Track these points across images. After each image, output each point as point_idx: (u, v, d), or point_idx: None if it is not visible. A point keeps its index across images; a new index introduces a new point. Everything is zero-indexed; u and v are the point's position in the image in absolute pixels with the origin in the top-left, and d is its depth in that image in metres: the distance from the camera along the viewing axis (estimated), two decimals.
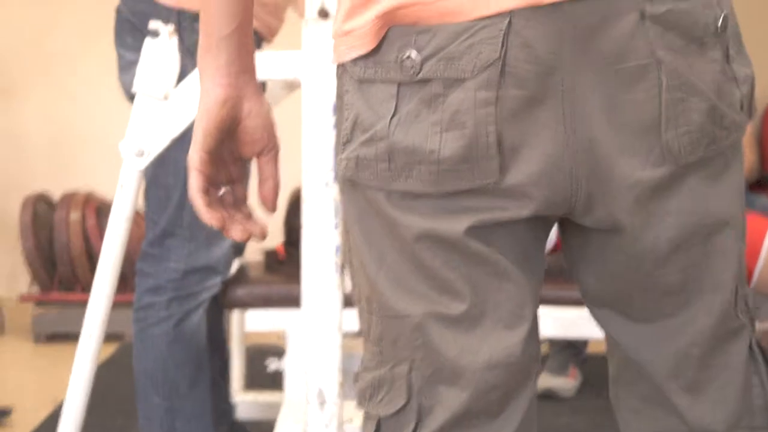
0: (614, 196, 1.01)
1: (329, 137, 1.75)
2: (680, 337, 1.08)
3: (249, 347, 3.00)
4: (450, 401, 1.04)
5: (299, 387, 2.27)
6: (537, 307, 1.08)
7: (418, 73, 0.99)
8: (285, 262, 2.61)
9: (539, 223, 1.05)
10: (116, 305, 4.03)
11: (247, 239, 1.11)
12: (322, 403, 1.80)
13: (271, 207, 1.11)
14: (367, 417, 1.10)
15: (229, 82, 1.07)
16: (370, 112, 1.02)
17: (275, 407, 2.53)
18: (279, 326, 2.34)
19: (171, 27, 1.81)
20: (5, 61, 4.83)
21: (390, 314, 1.06)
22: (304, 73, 1.76)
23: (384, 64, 1.01)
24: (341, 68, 1.06)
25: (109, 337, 3.95)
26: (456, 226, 1.01)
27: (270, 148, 1.12)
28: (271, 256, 2.62)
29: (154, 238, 2.23)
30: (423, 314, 1.04)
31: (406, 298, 1.04)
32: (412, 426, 1.05)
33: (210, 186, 1.09)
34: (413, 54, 0.98)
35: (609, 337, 1.15)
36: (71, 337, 4.22)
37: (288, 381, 2.32)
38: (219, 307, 2.37)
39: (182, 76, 1.86)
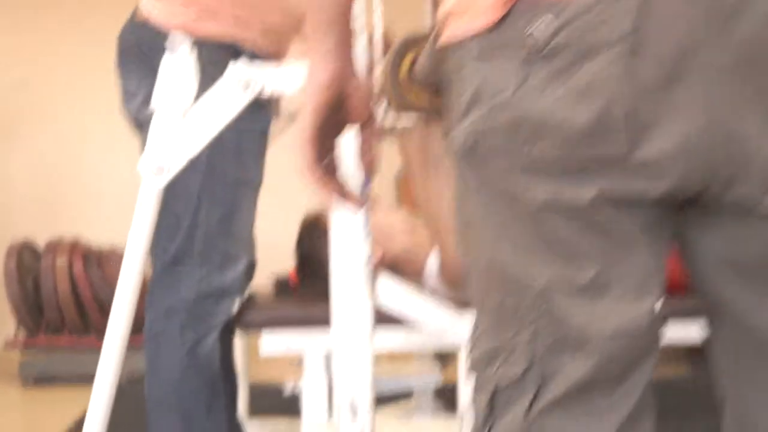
0: (753, 178, 0.99)
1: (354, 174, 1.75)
2: None
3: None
4: (572, 370, 1.03)
5: (318, 408, 2.25)
6: (663, 282, 1.07)
7: (548, 44, 0.99)
8: (296, 288, 2.58)
9: (669, 202, 1.04)
10: (101, 349, 4.02)
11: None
12: (354, 414, 1.78)
13: (371, 170, 1.26)
14: (481, 384, 1.09)
15: (336, 64, 1.16)
16: (494, 84, 1.02)
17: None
18: (296, 347, 2.31)
19: (189, 43, 1.80)
20: None
21: (512, 282, 1.05)
22: None
23: (511, 37, 1.01)
24: (455, 46, 1.07)
25: (92, 378, 3.93)
26: (583, 194, 1.00)
27: (371, 118, 1.24)
28: (281, 282, 2.60)
29: (163, 265, 2.20)
30: (548, 281, 1.03)
31: (530, 266, 1.04)
32: (531, 394, 1.04)
33: (317, 161, 1.18)
34: (543, 26, 0.99)
35: (719, 327, 1.12)
36: (59, 380, 4.18)
37: (306, 403, 2.29)
38: (231, 331, 2.34)
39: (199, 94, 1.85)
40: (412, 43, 1.92)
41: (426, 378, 2.71)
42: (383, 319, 1.86)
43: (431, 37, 1.73)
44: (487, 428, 1.08)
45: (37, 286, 4.23)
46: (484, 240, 1.07)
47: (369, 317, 1.78)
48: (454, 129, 1.08)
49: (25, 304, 4.13)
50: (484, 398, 1.08)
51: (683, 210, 1.08)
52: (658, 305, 1.06)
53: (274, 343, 2.31)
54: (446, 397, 2.84)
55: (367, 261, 1.79)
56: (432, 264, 2.21)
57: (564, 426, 1.04)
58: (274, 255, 2.82)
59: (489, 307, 1.09)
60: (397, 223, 2.36)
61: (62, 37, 4.90)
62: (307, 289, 2.51)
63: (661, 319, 1.07)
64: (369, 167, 1.27)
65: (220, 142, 1.86)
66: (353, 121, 1.23)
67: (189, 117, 1.80)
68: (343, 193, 1.22)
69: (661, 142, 0.98)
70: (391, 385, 2.81)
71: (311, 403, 2.29)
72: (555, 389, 1.04)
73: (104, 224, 4.72)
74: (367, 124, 1.25)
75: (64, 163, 4.89)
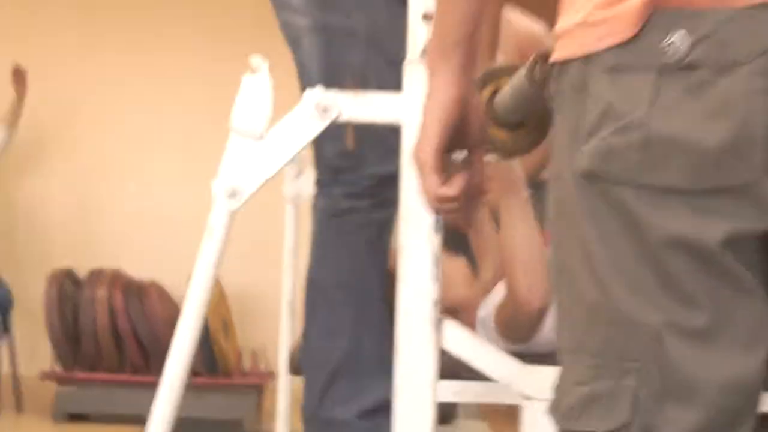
0: None
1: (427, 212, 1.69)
2: None
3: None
4: (679, 422, 0.97)
5: None
6: None
7: (685, 58, 0.94)
8: None
9: None
10: (138, 386, 3.96)
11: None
12: None
13: (480, 193, 1.21)
14: None
15: (461, 82, 1.15)
16: (625, 101, 0.97)
17: None
18: None
19: (267, 64, 1.77)
20: (34, 128, 4.79)
21: (623, 321, 0.99)
22: (406, 115, 1.71)
23: (645, 50, 0.97)
24: (585, 60, 1.02)
25: (127, 418, 3.87)
26: (712, 232, 0.95)
27: (483, 140, 1.21)
28: None
29: (342, 148, 2.10)
30: (662, 323, 0.97)
31: (645, 305, 0.98)
32: None
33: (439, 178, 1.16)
34: (681, 38, 0.94)
35: None
36: (93, 418, 4.11)
37: None
38: None
39: None
40: (491, 76, 1.86)
41: None
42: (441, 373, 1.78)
43: (522, 70, 1.67)
44: None
45: (75, 318, 4.19)
46: (598, 272, 1.00)
47: (434, 363, 1.71)
48: (573, 152, 1.02)
49: (64, 335, 4.10)
50: None
51: None
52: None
53: None
54: None
55: (434, 305, 1.72)
56: (489, 306, 2.14)
57: None
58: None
59: (593, 348, 1.01)
60: (456, 270, 2.29)
61: (103, 66, 4.91)
62: None
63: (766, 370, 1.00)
64: (477, 190, 1.22)
65: None
66: (469, 143, 1.20)
67: (266, 140, 1.76)
68: (463, 212, 1.21)
69: None
70: None
71: None
72: None
73: (144, 258, 4.70)
74: (479, 146, 1.22)
75: (103, 193, 4.88)
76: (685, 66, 0.94)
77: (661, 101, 0.95)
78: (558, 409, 1.04)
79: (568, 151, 1.04)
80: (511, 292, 2.09)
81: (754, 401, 1.00)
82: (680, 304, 0.97)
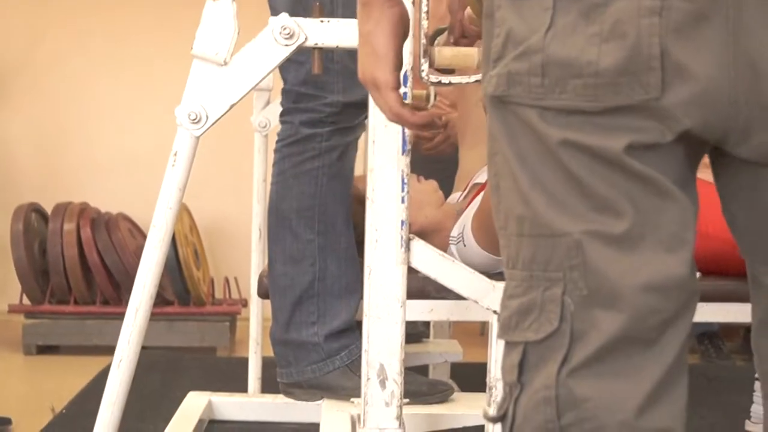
0: None
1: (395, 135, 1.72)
2: None
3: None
4: (606, 325, 0.99)
5: None
6: (695, 232, 1.03)
7: None
8: None
9: (695, 147, 1.01)
10: (108, 317, 3.97)
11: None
12: (383, 380, 1.74)
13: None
14: (510, 347, 1.05)
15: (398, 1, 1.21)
16: (524, 26, 1.00)
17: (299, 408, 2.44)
18: None
19: None
20: None
21: (545, 233, 1.02)
22: None
23: None
24: None
25: (100, 349, 3.88)
26: (614, 143, 0.98)
27: None
28: None
29: (305, 76, 2.14)
30: (582, 231, 0.99)
31: (564, 216, 1.00)
32: (563, 351, 1.00)
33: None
34: None
35: (754, 279, 1.10)
36: (63, 350, 4.12)
37: None
38: None
39: None
40: None
41: (446, 355, 2.67)
42: (412, 293, 1.81)
43: None
44: (516, 392, 1.04)
45: (43, 251, 4.17)
46: (520, 189, 1.04)
47: (402, 282, 1.74)
48: (485, 74, 1.06)
49: (31, 269, 4.08)
50: (514, 360, 1.04)
51: (716, 163, 1.06)
52: (690, 259, 1.02)
53: None
54: (463, 375, 2.80)
55: (401, 224, 1.74)
56: (464, 222, 2.16)
57: (597, 385, 1.00)
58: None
59: (522, 261, 1.05)
60: (426, 194, 2.31)
61: (63, 1, 4.82)
62: None
63: (695, 270, 1.03)
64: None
65: None
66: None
67: (230, 66, 1.75)
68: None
69: (690, 84, 0.95)
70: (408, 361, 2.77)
71: None
72: (588, 346, 1.00)
73: (112, 192, 4.67)
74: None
75: (67, 128, 4.83)
76: None
77: (557, 26, 0.98)
78: (501, 322, 1.07)
79: (484, 74, 1.07)
80: (479, 212, 2.11)
81: (680, 301, 1.01)
82: (599, 212, 0.99)
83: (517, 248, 1.05)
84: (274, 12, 2.05)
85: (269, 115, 2.72)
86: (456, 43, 2.08)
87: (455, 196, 2.50)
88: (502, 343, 1.08)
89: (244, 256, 3.08)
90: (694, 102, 0.96)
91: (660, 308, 0.99)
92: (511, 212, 1.06)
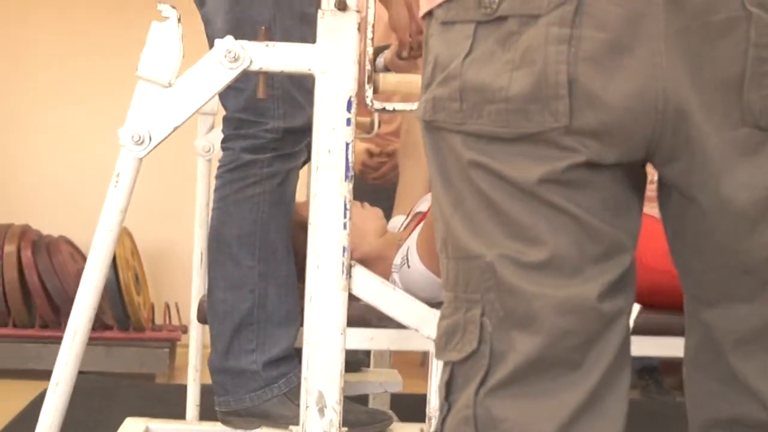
0: (692, 154, 0.99)
1: (342, 133, 1.71)
2: (755, 319, 1.05)
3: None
4: (523, 346, 1.01)
5: None
6: (628, 254, 1.04)
7: (496, 10, 0.99)
8: None
9: (625, 170, 1.02)
10: (47, 341, 3.91)
11: None
12: (322, 408, 1.72)
13: None
14: (443, 367, 1.07)
15: None
16: (448, 53, 1.03)
17: None
18: None
19: (177, 12, 1.75)
20: None
21: (463, 255, 1.04)
22: (319, 66, 1.71)
23: (465, 4, 1.02)
24: (428, 15, 1.08)
25: (38, 374, 3.81)
26: (528, 174, 1.00)
27: None
28: None
29: (246, 103, 2.11)
30: (496, 255, 1.02)
31: (480, 239, 1.03)
32: (483, 371, 1.02)
33: None
34: None
35: (689, 314, 1.11)
36: (1, 373, 4.04)
37: None
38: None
39: None
40: None
41: (386, 384, 2.66)
42: (353, 321, 1.81)
43: None
44: (445, 411, 1.06)
45: None
46: (443, 212, 1.07)
47: (343, 309, 1.73)
48: (420, 100, 1.09)
49: None
50: (443, 380, 1.06)
51: (659, 190, 1.08)
52: (622, 280, 1.03)
53: None
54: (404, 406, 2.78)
55: (343, 251, 1.74)
56: (406, 247, 2.16)
57: (515, 406, 1.01)
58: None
59: (450, 282, 1.08)
60: (370, 220, 2.31)
61: (7, 19, 4.77)
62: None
63: (625, 293, 1.04)
64: None
65: None
66: None
67: (174, 88, 1.74)
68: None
69: (603, 111, 0.97)
70: (347, 390, 2.75)
71: None
72: (505, 367, 1.02)
73: (53, 214, 4.61)
74: None
75: (9, 148, 4.76)
76: (497, 18, 1.00)
77: (475, 52, 1.01)
78: (435, 343, 1.10)
79: (419, 100, 1.10)
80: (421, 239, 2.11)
81: (600, 323, 1.01)
82: (515, 239, 1.01)
83: (446, 270, 1.08)
84: (211, 39, 2.05)
85: (213, 140, 2.70)
86: (412, 58, 2.10)
87: (399, 219, 2.50)
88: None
89: (186, 281, 3.05)
90: (606, 131, 0.98)
91: (575, 330, 1.01)
92: (439, 234, 1.09)
